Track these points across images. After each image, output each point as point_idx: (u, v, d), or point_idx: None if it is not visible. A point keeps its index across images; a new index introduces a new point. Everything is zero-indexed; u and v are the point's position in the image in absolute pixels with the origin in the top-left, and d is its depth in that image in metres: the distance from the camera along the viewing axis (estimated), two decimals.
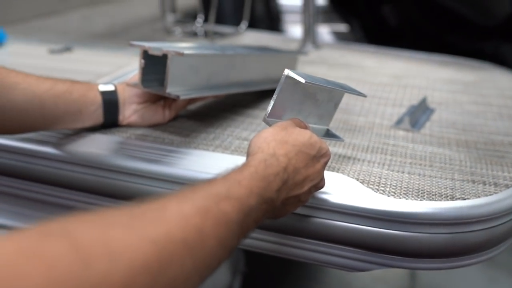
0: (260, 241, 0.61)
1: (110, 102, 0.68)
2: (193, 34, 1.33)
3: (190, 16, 1.55)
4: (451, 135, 0.72)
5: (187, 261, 0.33)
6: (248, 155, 0.49)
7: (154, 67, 0.67)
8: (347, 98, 0.86)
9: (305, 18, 1.16)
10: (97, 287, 0.27)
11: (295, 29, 1.82)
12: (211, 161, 0.62)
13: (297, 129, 0.51)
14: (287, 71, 0.52)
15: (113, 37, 1.28)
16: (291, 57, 0.91)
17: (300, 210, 0.57)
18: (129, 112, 0.71)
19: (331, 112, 0.62)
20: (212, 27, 1.20)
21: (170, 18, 1.43)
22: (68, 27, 1.42)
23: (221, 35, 1.28)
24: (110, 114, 0.69)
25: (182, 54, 0.62)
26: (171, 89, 0.64)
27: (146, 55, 0.65)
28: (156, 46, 0.64)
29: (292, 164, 0.47)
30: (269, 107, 0.53)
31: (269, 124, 0.54)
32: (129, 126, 0.72)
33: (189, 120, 0.75)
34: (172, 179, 0.60)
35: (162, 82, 0.67)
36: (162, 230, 0.33)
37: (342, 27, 1.67)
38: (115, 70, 0.97)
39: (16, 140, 0.67)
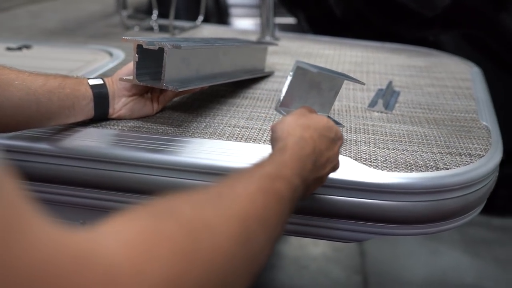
0: None
1: (101, 95, 0.69)
2: (150, 29, 1.33)
3: (141, 12, 1.55)
4: (420, 114, 0.79)
5: (261, 234, 0.37)
6: (274, 140, 0.51)
7: (145, 61, 0.68)
8: None
9: (263, 11, 1.20)
10: (206, 257, 0.30)
11: (242, 22, 1.85)
12: (212, 147, 0.65)
13: (314, 115, 0.55)
14: (298, 62, 0.56)
15: (69, 33, 1.26)
16: (264, 47, 0.95)
17: None
18: (119, 105, 0.72)
19: (332, 100, 0.66)
20: (171, 21, 1.21)
21: (123, 13, 1.42)
22: (18, 24, 1.37)
23: (181, 29, 1.29)
24: (101, 108, 0.70)
25: (179, 48, 0.64)
26: (168, 82, 0.65)
27: (138, 50, 0.66)
28: (150, 40, 0.65)
29: (317, 146, 0.51)
30: (281, 97, 0.57)
31: (281, 113, 0.57)
32: (119, 119, 0.72)
33: (176, 111, 0.77)
34: (180, 167, 0.62)
35: (154, 75, 0.68)
36: (239, 207, 0.36)
37: (289, 20, 1.73)
38: (82, 67, 0.96)
39: (9, 139, 0.66)
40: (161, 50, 0.64)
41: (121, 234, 0.28)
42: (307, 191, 0.50)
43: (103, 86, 0.69)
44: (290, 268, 1.91)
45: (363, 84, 0.67)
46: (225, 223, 0.34)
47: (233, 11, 1.85)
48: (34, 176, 0.67)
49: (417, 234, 0.65)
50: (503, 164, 1.57)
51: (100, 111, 0.70)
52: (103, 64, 0.98)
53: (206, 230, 0.32)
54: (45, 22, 1.39)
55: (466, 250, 2.02)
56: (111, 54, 1.05)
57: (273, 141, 0.52)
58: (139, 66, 0.67)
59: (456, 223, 0.68)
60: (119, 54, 1.04)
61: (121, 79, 0.69)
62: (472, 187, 0.63)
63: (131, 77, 0.67)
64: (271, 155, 0.47)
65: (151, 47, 0.64)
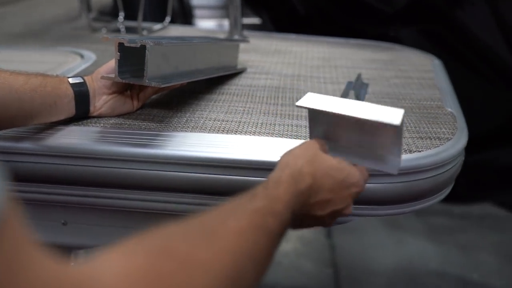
0: None
1: (81, 93, 0.70)
2: (117, 31, 1.33)
3: (106, 14, 1.54)
4: (389, 104, 0.84)
5: (251, 269, 0.38)
6: (276, 169, 0.50)
7: (126, 59, 0.69)
8: (291, 80, 0.95)
9: (231, 11, 1.22)
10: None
11: (205, 24, 1.87)
12: (197, 140, 0.67)
13: (325, 154, 0.52)
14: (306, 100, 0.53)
15: (37, 37, 1.25)
16: (236, 44, 0.97)
17: None
18: (100, 103, 0.72)
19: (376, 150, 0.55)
20: (139, 22, 1.22)
21: (89, 16, 1.41)
22: None
23: (148, 30, 1.30)
24: (82, 106, 0.70)
25: (161, 44, 0.65)
26: (150, 79, 0.67)
27: (119, 48, 0.67)
28: (131, 38, 0.66)
29: (317, 184, 0.49)
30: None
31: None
32: (100, 116, 0.73)
33: (156, 108, 0.78)
34: (166, 160, 0.63)
35: (135, 73, 0.69)
36: (232, 244, 0.37)
37: (254, 20, 1.76)
38: (54, 69, 0.96)
39: None
40: (142, 48, 0.65)
41: (118, 270, 0.29)
42: (294, 222, 0.48)
43: (83, 84, 0.70)
44: None
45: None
46: (218, 260, 0.35)
47: (196, 12, 1.87)
48: (18, 176, 0.67)
49: (394, 214, 0.69)
50: None
51: (82, 109, 0.71)
52: (75, 65, 0.98)
53: (201, 267, 0.33)
54: (9, 26, 1.37)
55: (430, 238, 2.10)
56: (82, 56, 1.05)
57: (275, 168, 0.50)
58: (120, 64, 0.68)
59: (428, 202, 0.72)
60: (90, 56, 1.04)
61: (103, 77, 0.70)
62: (442, 168, 0.68)
63: (113, 75, 0.69)
64: (265, 186, 0.46)
65: (132, 45, 0.66)
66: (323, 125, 0.55)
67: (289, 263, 1.96)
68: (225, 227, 0.39)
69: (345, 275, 1.91)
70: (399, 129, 0.50)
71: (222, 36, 1.27)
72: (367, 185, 0.64)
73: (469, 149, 1.60)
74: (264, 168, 0.63)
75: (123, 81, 0.68)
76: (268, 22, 1.65)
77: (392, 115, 0.50)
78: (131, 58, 0.69)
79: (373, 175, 0.64)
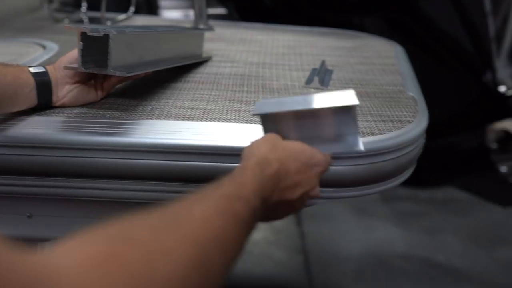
0: None
1: (43, 83, 0.69)
2: (80, 22, 1.31)
3: (68, 5, 1.51)
4: (353, 89, 0.85)
5: (218, 257, 0.37)
6: (241, 160, 0.50)
7: (89, 48, 0.68)
8: (256, 67, 0.95)
9: (196, 1, 1.22)
10: (161, 282, 0.30)
11: (171, 14, 1.86)
12: (162, 127, 0.67)
13: (286, 140, 0.53)
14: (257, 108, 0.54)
15: None
16: (201, 33, 0.97)
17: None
18: (62, 92, 0.72)
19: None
20: (103, 13, 1.20)
21: (50, 7, 1.38)
22: None
23: (112, 21, 1.28)
24: (44, 96, 0.69)
25: (124, 33, 0.65)
26: (114, 68, 0.66)
27: (82, 37, 0.66)
28: (94, 27, 0.65)
29: (284, 168, 0.49)
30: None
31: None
32: (63, 106, 0.72)
33: (120, 97, 0.78)
34: (133, 148, 0.63)
35: (99, 62, 0.68)
36: (197, 230, 0.36)
37: (220, 11, 1.76)
38: (15, 60, 0.94)
39: None
40: (105, 37, 0.64)
41: (76, 257, 0.29)
42: (269, 212, 0.49)
43: (45, 73, 0.69)
44: None
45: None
46: (181, 247, 0.34)
47: (162, 3, 1.85)
48: None
49: (358, 195, 0.70)
50: (425, 138, 1.68)
51: (44, 99, 0.70)
52: (37, 56, 0.96)
53: (162, 254, 0.32)
54: None
55: (396, 223, 2.15)
56: (44, 47, 1.03)
57: (241, 161, 0.50)
58: (83, 53, 0.67)
59: (391, 184, 0.74)
60: (53, 46, 1.03)
61: (66, 67, 0.69)
62: (404, 149, 0.70)
63: (76, 65, 0.67)
64: (230, 176, 0.46)
65: (95, 34, 0.65)
66: (279, 126, 0.55)
67: (260, 251, 1.98)
68: (190, 214, 0.38)
69: (315, 261, 1.94)
70: (354, 108, 0.54)
71: (187, 25, 1.26)
72: (333, 168, 0.65)
73: (433, 134, 1.64)
74: (230, 153, 0.64)
75: (87, 71, 0.67)
76: (234, 12, 1.65)
77: (344, 98, 0.53)
78: (94, 48, 0.68)
79: (337, 158, 0.65)
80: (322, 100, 0.53)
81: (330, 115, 0.54)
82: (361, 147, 0.55)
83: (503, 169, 1.56)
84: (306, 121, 0.54)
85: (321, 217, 2.16)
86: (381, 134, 0.68)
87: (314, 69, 0.93)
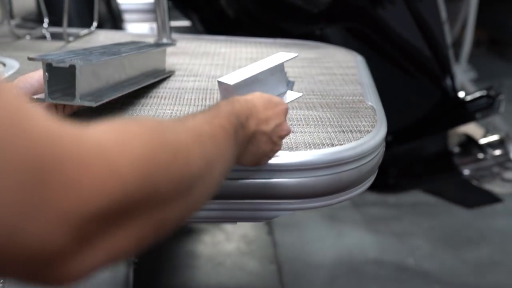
0: None
1: None
2: (42, 38, 1.30)
3: (30, 21, 1.50)
4: (314, 100, 0.87)
5: (212, 147, 0.44)
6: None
7: (55, 77, 0.66)
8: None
9: (158, 14, 1.22)
10: (172, 144, 0.38)
11: (137, 27, 1.85)
12: None
13: None
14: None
15: None
16: (161, 49, 0.97)
17: None
18: None
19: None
20: (65, 29, 1.19)
21: (11, 23, 1.37)
22: None
23: (75, 36, 1.27)
24: None
25: (90, 62, 0.64)
26: (82, 97, 0.66)
27: (47, 68, 0.65)
28: (59, 58, 0.64)
29: (251, 103, 0.56)
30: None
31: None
32: None
33: (82, 116, 0.77)
34: None
35: (65, 91, 0.67)
36: (193, 124, 0.44)
37: (184, 23, 1.76)
38: None
39: None
40: (72, 67, 0.64)
41: (104, 127, 0.33)
42: (253, 144, 0.56)
43: None
44: (206, 266, 1.95)
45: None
46: (184, 129, 0.42)
47: (127, 16, 1.84)
48: None
49: (322, 206, 0.72)
50: (390, 144, 1.72)
51: None
52: None
53: (169, 130, 0.39)
54: None
55: (367, 228, 2.18)
56: (4, 64, 1.02)
57: None
58: (49, 84, 0.66)
59: (353, 193, 0.75)
60: (13, 64, 1.01)
61: (33, 99, 0.67)
62: (364, 159, 0.71)
63: (43, 96, 0.66)
64: (202, 111, 0.50)
65: (61, 65, 0.64)
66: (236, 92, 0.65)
67: (232, 262, 1.98)
68: (183, 123, 0.44)
69: (288, 270, 1.95)
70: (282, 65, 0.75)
71: (150, 40, 1.26)
72: (295, 179, 0.66)
73: (398, 140, 1.68)
74: None
75: (54, 102, 0.66)
76: (198, 25, 1.66)
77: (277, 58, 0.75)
78: (60, 77, 0.66)
79: (299, 170, 0.66)
80: (262, 64, 0.72)
81: (270, 75, 0.73)
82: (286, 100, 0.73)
83: (466, 172, 1.60)
84: (255, 84, 0.68)
85: (293, 225, 2.18)
86: (341, 145, 0.70)
87: None
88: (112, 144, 0.32)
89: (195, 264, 1.95)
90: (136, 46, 0.91)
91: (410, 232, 2.16)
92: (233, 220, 0.71)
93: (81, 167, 0.28)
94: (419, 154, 1.76)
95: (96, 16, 1.34)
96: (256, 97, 0.59)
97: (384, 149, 0.79)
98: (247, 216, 0.70)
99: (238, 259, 2.00)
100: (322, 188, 0.70)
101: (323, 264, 1.99)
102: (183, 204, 0.38)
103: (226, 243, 2.07)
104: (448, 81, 1.55)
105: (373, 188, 1.97)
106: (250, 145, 0.56)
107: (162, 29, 1.24)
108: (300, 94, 0.76)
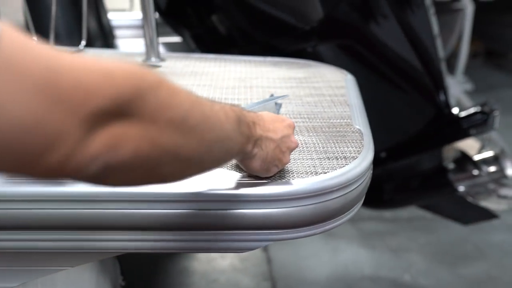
0: (149, 241, 0.66)
1: None
2: None
3: None
4: (300, 124, 0.85)
5: (203, 123, 0.46)
6: None
7: None
8: None
9: (146, 32, 1.21)
10: (165, 83, 0.42)
11: (130, 43, 1.84)
12: None
13: None
14: None
15: None
16: None
17: (188, 206, 0.63)
18: None
19: None
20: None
21: None
22: None
23: None
24: None
25: None
26: None
27: None
28: None
29: (261, 115, 0.60)
30: None
31: None
32: None
33: None
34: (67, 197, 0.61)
35: None
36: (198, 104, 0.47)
37: (175, 39, 1.75)
38: None
39: None
40: None
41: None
42: (261, 147, 0.58)
43: None
44: (200, 283, 1.92)
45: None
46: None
47: (118, 32, 1.83)
48: None
49: (305, 236, 0.69)
50: (384, 161, 1.70)
51: None
52: None
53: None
54: None
55: (363, 244, 2.15)
56: None
57: None
58: None
59: (340, 220, 0.73)
60: None
61: None
62: (350, 187, 0.69)
63: None
64: None
65: None
66: None
67: (226, 279, 1.95)
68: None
69: (282, 286, 1.92)
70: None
71: (139, 58, 1.25)
72: (278, 209, 0.64)
73: (393, 156, 1.66)
74: (178, 200, 0.63)
75: None
76: (190, 41, 1.65)
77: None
78: None
79: (282, 200, 0.64)
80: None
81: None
82: None
83: (461, 188, 1.58)
84: None
85: (288, 241, 2.15)
86: (325, 173, 0.68)
87: (264, 99, 0.92)
88: (110, 63, 0.39)
89: (188, 281, 1.92)
90: None
91: (406, 248, 2.13)
92: (216, 251, 0.69)
93: (86, 76, 0.36)
94: (414, 170, 1.74)
95: (84, 34, 1.32)
96: (263, 113, 0.62)
97: (371, 173, 0.77)
98: (228, 247, 0.68)
99: (232, 276, 1.97)
100: (306, 218, 0.67)
101: (318, 281, 1.97)
102: (176, 137, 0.43)
103: (220, 259, 2.04)
104: (442, 96, 1.53)
105: (368, 204, 1.96)
106: (258, 150, 0.58)
107: (151, 47, 1.22)
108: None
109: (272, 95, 0.95)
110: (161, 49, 1.77)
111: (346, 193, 0.69)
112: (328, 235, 2.20)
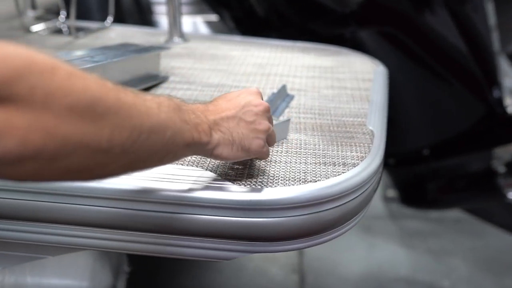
0: (134, 243, 0.61)
1: None
2: (58, 31, 1.27)
3: (53, 12, 1.47)
4: (307, 120, 0.77)
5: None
6: None
7: None
8: (212, 91, 0.88)
9: (170, 11, 1.15)
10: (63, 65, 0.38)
11: (164, 20, 1.80)
12: None
13: None
14: None
15: None
16: (154, 53, 0.90)
17: (170, 208, 0.57)
18: None
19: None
20: (74, 22, 1.15)
21: (30, 14, 1.35)
22: None
23: (86, 31, 1.23)
24: None
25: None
26: None
27: None
28: None
29: (211, 103, 0.56)
30: None
31: None
32: None
33: None
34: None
35: None
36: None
37: (213, 17, 1.69)
38: None
39: None
40: None
41: None
42: (219, 130, 0.53)
43: None
44: (227, 270, 1.89)
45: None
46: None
47: (159, 8, 1.79)
48: None
49: (296, 249, 0.62)
50: (428, 158, 1.57)
51: None
52: None
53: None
54: None
55: (401, 243, 2.03)
56: None
57: None
58: None
59: (339, 231, 0.65)
60: None
61: None
62: (349, 196, 0.61)
63: None
64: None
65: None
66: None
67: (254, 267, 1.91)
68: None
69: (311, 281, 1.86)
70: None
71: (162, 37, 1.20)
72: (274, 220, 0.57)
73: (436, 154, 1.53)
74: (174, 203, 0.57)
75: None
76: (229, 21, 1.58)
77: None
78: None
79: (276, 209, 0.57)
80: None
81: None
82: None
83: (511, 195, 1.44)
84: None
85: None
86: (314, 181, 0.60)
87: (272, 94, 0.85)
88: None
89: (215, 266, 1.89)
90: (125, 50, 0.85)
91: (449, 251, 1.99)
92: (190, 257, 0.63)
93: None
94: (460, 171, 1.61)
95: (111, 10, 1.29)
96: (220, 96, 0.58)
97: (379, 179, 0.68)
98: (208, 255, 0.62)
99: (260, 264, 1.92)
100: (294, 231, 0.60)
101: (350, 278, 1.88)
102: (81, 125, 0.38)
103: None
104: (495, 94, 1.39)
105: (410, 203, 1.84)
106: (219, 135, 0.53)
107: (174, 26, 1.17)
108: (287, 120, 0.73)
109: (283, 86, 0.87)
110: (204, 28, 1.72)
111: (345, 203, 0.61)
112: (366, 230, 2.10)
